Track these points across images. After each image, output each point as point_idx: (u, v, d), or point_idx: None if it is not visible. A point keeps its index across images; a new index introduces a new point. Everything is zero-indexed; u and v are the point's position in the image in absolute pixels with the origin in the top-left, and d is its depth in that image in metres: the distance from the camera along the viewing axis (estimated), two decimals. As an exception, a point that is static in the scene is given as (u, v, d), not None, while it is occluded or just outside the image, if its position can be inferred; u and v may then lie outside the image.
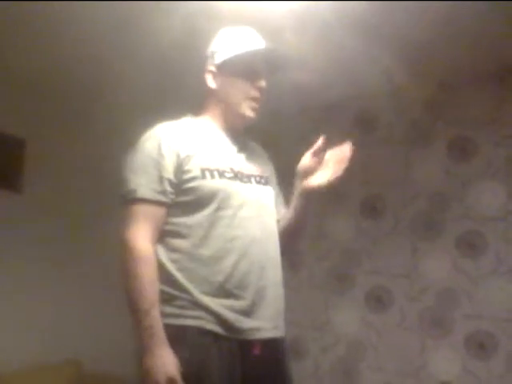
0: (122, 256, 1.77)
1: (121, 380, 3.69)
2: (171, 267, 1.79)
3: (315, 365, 3.91)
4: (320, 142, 1.92)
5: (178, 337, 1.74)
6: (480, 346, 3.39)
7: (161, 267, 1.81)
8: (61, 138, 3.92)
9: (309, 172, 1.92)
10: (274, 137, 2.19)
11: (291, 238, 2.05)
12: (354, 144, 1.85)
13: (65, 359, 3.60)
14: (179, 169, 1.80)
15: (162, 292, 1.80)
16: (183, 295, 1.76)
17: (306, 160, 1.93)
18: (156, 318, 1.71)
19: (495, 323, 3.36)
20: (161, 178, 1.79)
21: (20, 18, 2.97)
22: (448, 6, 2.76)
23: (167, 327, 1.75)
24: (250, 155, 2.01)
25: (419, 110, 3.79)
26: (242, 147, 1.99)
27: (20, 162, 3.74)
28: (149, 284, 1.73)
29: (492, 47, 3.22)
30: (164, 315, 1.77)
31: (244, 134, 2.04)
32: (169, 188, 1.80)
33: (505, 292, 3.35)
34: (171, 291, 1.78)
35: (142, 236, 1.76)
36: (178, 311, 1.76)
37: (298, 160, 2.05)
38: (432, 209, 3.69)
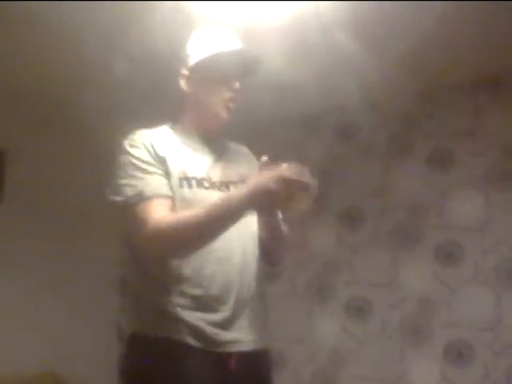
0: (162, 241, 1.67)
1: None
2: (147, 280, 1.77)
3: (296, 376, 3.91)
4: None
5: (152, 348, 1.71)
6: (458, 354, 3.41)
7: (138, 280, 1.80)
8: (41, 148, 3.91)
9: None
10: (252, 148, 2.17)
11: (271, 253, 1.98)
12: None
13: (42, 371, 3.57)
14: (166, 171, 1.77)
15: (138, 302, 1.79)
16: (160, 307, 1.72)
17: None
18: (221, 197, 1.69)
19: (473, 332, 3.39)
20: (160, 176, 1.76)
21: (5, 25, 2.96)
22: (424, 20, 2.81)
23: (142, 338, 1.74)
24: (230, 160, 1.96)
25: (397, 122, 3.84)
26: (221, 153, 1.95)
27: (1, 174, 3.72)
28: (191, 215, 1.66)
29: (468, 59, 3.27)
30: (139, 325, 1.76)
31: (223, 138, 2.00)
32: (167, 183, 1.76)
33: (482, 301, 3.39)
34: (147, 303, 1.76)
35: (157, 214, 1.69)
36: (154, 322, 1.73)
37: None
38: (411, 219, 3.73)
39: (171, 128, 1.94)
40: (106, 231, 4.28)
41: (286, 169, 1.56)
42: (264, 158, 1.68)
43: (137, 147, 1.79)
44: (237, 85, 1.89)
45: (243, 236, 1.85)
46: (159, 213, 1.69)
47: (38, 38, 3.06)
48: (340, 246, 3.97)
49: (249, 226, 1.89)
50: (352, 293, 3.87)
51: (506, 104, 3.48)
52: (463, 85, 3.55)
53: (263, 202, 1.58)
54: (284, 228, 1.97)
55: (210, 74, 1.88)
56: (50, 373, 3.60)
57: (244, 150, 2.11)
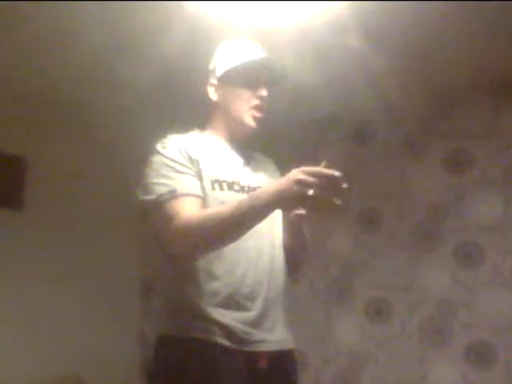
0: (191, 237, 1.69)
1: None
2: (181, 279, 1.80)
3: (316, 377, 3.92)
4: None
5: (185, 349, 1.75)
6: (479, 355, 3.41)
7: (169, 280, 1.84)
8: (62, 155, 3.96)
9: None
10: (268, 151, 2.20)
11: (293, 255, 2.02)
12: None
13: (65, 374, 3.61)
14: (198, 173, 1.82)
15: (170, 304, 1.82)
16: (191, 307, 1.76)
17: None
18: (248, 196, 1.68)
19: (493, 333, 3.38)
20: (192, 176, 1.80)
21: (17, 33, 2.99)
22: (441, 19, 2.81)
23: (175, 339, 1.77)
24: (257, 167, 2.02)
25: (414, 124, 3.83)
26: (248, 159, 2.00)
27: (21, 180, 3.77)
28: (220, 211, 1.67)
29: (485, 59, 3.26)
30: (172, 327, 1.79)
31: (249, 146, 2.05)
32: (199, 184, 1.80)
33: (502, 302, 3.38)
34: (180, 303, 1.79)
35: (187, 211, 1.71)
36: (185, 323, 1.76)
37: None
38: (429, 220, 3.73)
39: (200, 134, 2.00)
40: (127, 235, 4.33)
41: (314, 167, 1.56)
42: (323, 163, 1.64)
43: (169, 148, 1.84)
44: (264, 91, 1.94)
45: (272, 236, 1.90)
46: (190, 210, 1.72)
47: (59, 46, 3.10)
48: (359, 247, 3.98)
49: (276, 228, 1.94)
50: (371, 295, 3.87)
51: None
52: (479, 85, 3.55)
53: (293, 195, 1.55)
54: (306, 233, 2.01)
55: (237, 82, 1.94)
56: (74, 376, 3.64)
57: (268, 160, 2.16)
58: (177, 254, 1.77)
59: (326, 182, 1.53)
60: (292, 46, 2.95)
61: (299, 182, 1.53)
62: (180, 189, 1.75)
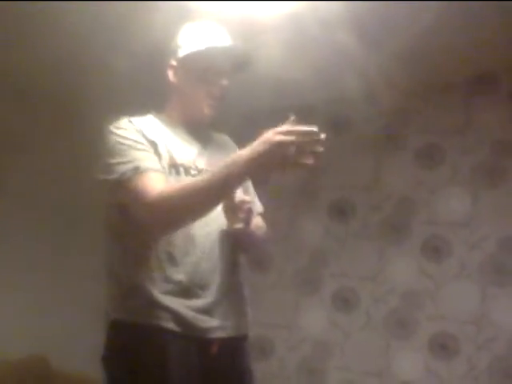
0: (154, 215, 1.66)
1: (87, 377, 3.70)
2: (131, 265, 1.77)
3: (281, 364, 3.95)
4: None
5: (136, 335, 1.72)
6: (442, 346, 3.47)
7: (120, 265, 1.80)
8: (36, 137, 3.91)
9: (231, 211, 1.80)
10: (245, 138, 2.19)
11: (249, 251, 2.03)
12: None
13: (31, 355, 3.58)
14: (156, 154, 1.77)
15: (121, 289, 1.78)
16: (142, 293, 1.72)
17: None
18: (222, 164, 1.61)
19: (457, 325, 3.44)
20: (151, 154, 1.75)
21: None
22: (418, 17, 2.83)
23: (126, 325, 1.74)
24: (215, 150, 1.97)
25: (389, 117, 3.87)
26: (206, 143, 1.96)
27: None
28: (193, 183, 1.66)
29: (460, 56, 3.29)
30: (123, 312, 1.76)
31: (209, 128, 2.00)
32: (159, 162, 1.76)
33: (467, 295, 3.44)
34: (130, 289, 1.75)
35: (156, 186, 1.67)
36: (137, 309, 1.73)
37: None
38: (399, 213, 3.77)
39: (156, 117, 1.93)
40: (94, 218, 4.28)
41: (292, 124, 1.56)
42: (292, 118, 1.62)
43: (125, 129, 1.78)
44: (224, 81, 1.89)
45: (223, 224, 1.85)
46: (157, 183, 1.68)
47: (35, 30, 3.05)
48: (328, 238, 4.01)
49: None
50: (339, 285, 3.90)
51: (495, 102, 3.52)
52: (454, 82, 3.59)
53: (275, 158, 1.52)
54: (261, 224, 2.01)
55: (197, 67, 1.87)
56: (38, 356, 3.61)
57: (225, 138, 2.11)
58: (150, 226, 1.71)
59: (304, 138, 1.53)
60: (274, 34, 2.95)
61: (279, 144, 1.51)
62: (143, 165, 1.70)
